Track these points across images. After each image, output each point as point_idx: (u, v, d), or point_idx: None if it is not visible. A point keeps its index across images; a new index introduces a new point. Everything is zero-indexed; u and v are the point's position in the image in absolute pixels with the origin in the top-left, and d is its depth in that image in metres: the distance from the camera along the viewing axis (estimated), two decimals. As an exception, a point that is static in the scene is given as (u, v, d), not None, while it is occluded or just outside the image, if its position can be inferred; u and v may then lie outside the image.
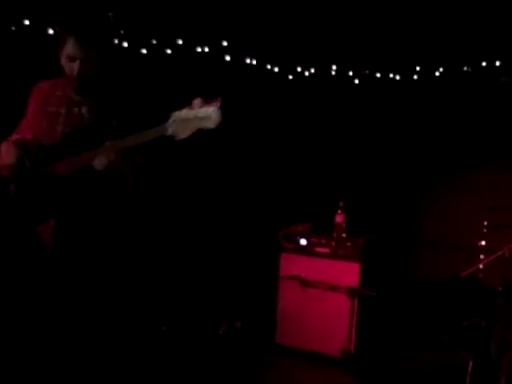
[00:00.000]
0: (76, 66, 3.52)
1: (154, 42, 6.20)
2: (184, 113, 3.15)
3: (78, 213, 3.57)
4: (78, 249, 3.57)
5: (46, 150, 3.57)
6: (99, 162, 3.37)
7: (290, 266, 6.11)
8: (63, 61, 3.55)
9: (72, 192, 3.53)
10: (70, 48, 3.49)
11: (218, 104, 3.10)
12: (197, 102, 3.15)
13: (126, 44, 6.01)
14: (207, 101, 3.14)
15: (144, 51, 6.16)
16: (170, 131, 3.19)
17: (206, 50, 6.46)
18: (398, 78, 7.42)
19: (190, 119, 3.12)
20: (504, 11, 6.19)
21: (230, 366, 5.67)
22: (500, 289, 4.84)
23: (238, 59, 6.73)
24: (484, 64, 7.10)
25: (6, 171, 3.56)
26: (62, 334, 3.57)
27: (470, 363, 4.70)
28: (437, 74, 7.31)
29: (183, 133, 3.15)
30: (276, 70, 7.15)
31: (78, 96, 3.66)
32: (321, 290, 5.93)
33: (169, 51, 6.29)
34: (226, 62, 6.61)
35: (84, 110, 3.64)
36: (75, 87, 3.63)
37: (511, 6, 6.10)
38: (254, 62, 6.86)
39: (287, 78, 7.32)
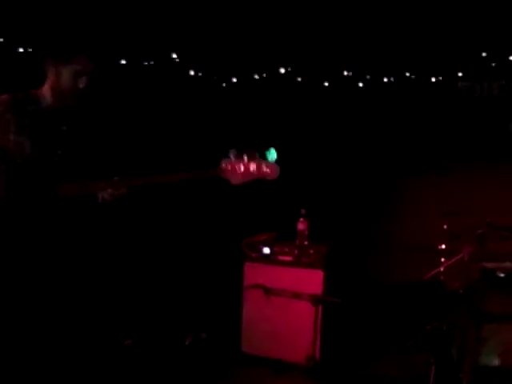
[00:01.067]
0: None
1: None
2: (240, 163, 3.33)
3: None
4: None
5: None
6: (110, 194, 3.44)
7: (254, 274, 6.11)
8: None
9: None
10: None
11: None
12: (248, 153, 3.28)
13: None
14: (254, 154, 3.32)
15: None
16: (222, 176, 3.36)
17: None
18: (360, 85, 7.50)
19: (248, 170, 3.32)
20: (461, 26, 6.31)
21: (196, 377, 5.66)
22: (460, 291, 4.90)
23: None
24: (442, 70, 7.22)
25: None
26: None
27: (433, 366, 4.75)
28: (387, 79, 7.39)
29: (239, 180, 3.36)
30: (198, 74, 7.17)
31: None
32: (285, 298, 5.93)
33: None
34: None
35: None
36: None
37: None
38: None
39: (222, 85, 7.35)
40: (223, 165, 3.33)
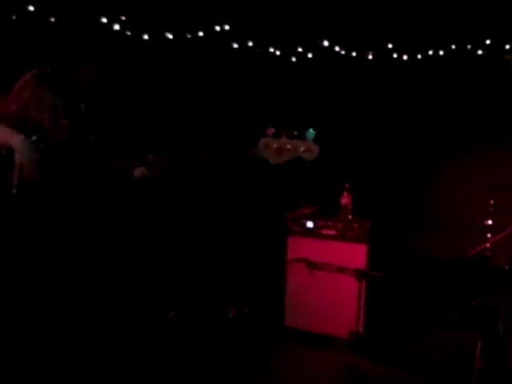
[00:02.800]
0: None
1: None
2: (278, 141, 3.33)
3: None
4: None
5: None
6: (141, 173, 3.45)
7: (297, 248, 6.12)
8: None
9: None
10: None
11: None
12: (286, 132, 3.32)
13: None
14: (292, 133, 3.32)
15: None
16: (260, 154, 3.36)
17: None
18: (404, 58, 7.40)
19: (285, 149, 3.32)
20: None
21: (240, 350, 5.70)
22: (507, 267, 4.84)
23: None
24: (488, 42, 7.08)
25: None
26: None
27: (479, 343, 4.71)
28: (441, 52, 7.29)
29: (277, 159, 3.35)
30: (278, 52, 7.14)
31: None
32: (328, 273, 5.94)
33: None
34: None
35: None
36: None
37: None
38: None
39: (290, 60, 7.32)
40: (261, 144, 3.32)
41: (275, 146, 3.31)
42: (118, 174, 3.46)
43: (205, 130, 6.16)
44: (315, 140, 3.32)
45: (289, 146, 3.30)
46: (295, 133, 3.32)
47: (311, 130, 3.33)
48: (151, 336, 5.68)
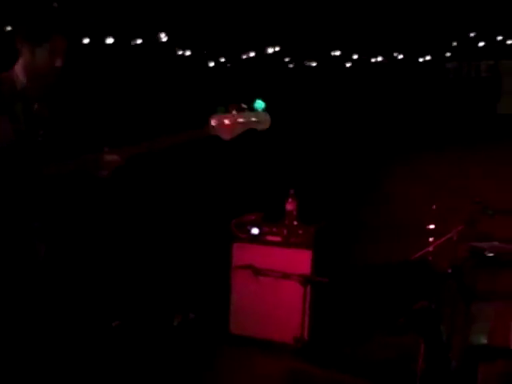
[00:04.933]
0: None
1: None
2: (228, 116, 3.32)
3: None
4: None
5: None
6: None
7: (243, 255, 6.11)
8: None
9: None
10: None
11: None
12: (234, 106, 3.32)
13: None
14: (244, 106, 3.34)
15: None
16: (213, 132, 3.35)
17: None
18: (348, 65, 7.47)
19: (236, 122, 3.31)
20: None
21: (185, 357, 5.66)
22: (449, 271, 4.91)
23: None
24: (428, 52, 7.21)
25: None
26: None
27: (422, 346, 4.76)
28: (375, 60, 7.38)
29: (230, 134, 3.35)
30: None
31: None
32: (273, 279, 5.93)
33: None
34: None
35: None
36: None
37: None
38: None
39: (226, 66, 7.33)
40: (212, 121, 3.30)
41: (227, 121, 3.29)
42: (74, 171, 3.43)
43: (156, 117, 6.11)
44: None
45: (240, 120, 3.30)
46: (244, 106, 3.31)
47: (259, 100, 3.33)
48: (94, 346, 5.61)
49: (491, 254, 4.96)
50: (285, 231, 5.99)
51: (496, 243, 5.11)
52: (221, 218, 6.29)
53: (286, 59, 7.41)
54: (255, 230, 6.09)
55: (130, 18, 6.08)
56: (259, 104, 3.31)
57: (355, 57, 7.37)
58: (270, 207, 6.29)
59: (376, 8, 6.53)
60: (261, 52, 7.20)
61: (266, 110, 3.35)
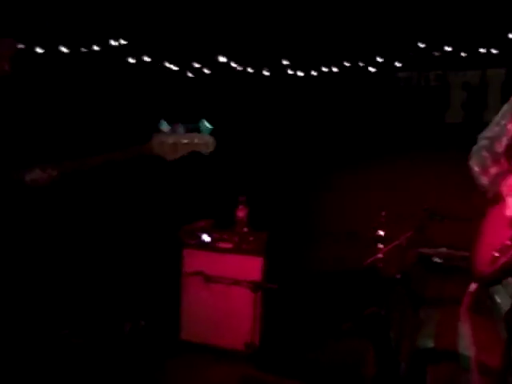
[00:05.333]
0: None
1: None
2: (173, 137, 3.27)
3: None
4: None
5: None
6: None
7: (193, 262, 6.11)
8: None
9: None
10: None
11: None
12: (179, 126, 3.29)
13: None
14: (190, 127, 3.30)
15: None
16: (155, 151, 3.28)
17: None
18: (300, 74, 7.51)
19: (180, 143, 3.27)
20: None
21: (136, 365, 5.62)
22: (398, 277, 4.97)
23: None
24: (380, 59, 7.28)
25: None
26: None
27: (372, 351, 4.81)
28: (334, 69, 7.45)
29: (173, 154, 3.30)
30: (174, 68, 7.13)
31: None
32: (224, 285, 5.95)
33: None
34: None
35: None
36: None
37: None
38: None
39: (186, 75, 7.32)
40: (154, 140, 3.26)
41: (170, 141, 3.25)
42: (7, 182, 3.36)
43: (98, 133, 6.06)
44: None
45: (184, 141, 3.26)
46: (190, 126, 3.28)
47: (205, 122, 3.30)
48: (42, 355, 5.53)
49: (439, 260, 5.04)
50: (236, 238, 6.01)
51: (444, 249, 5.19)
52: (171, 225, 6.27)
53: (237, 68, 7.43)
54: (206, 237, 6.09)
55: (82, 26, 6.04)
56: (205, 126, 3.27)
57: (306, 66, 7.42)
58: (220, 214, 6.29)
59: (327, 16, 6.59)
60: (210, 61, 7.22)
61: (211, 132, 3.33)
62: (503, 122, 3.07)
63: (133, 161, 3.35)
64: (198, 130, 3.30)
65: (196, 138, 3.28)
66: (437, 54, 7.01)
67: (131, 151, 3.33)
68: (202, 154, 3.31)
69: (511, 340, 2.47)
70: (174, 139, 3.26)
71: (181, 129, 3.27)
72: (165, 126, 3.27)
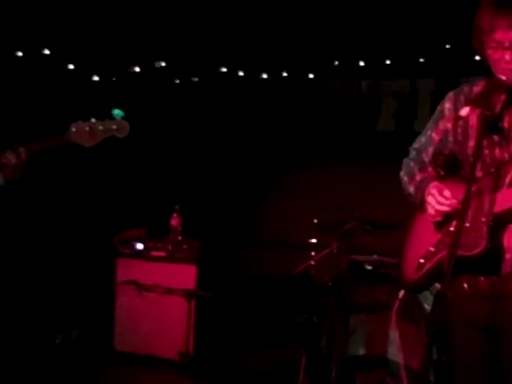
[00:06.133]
0: None
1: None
2: (88, 124, 3.38)
3: None
4: None
5: None
6: None
7: (127, 270, 6.06)
8: None
9: None
10: None
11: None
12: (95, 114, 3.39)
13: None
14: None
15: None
16: (73, 139, 3.38)
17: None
18: (239, 80, 7.54)
19: (97, 129, 3.38)
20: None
21: (66, 376, 5.55)
22: (329, 284, 5.02)
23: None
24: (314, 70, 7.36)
25: None
26: None
27: (303, 358, 4.85)
28: (264, 76, 7.50)
29: (91, 141, 3.40)
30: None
31: None
32: (158, 294, 5.92)
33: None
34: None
35: None
36: None
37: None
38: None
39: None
40: (72, 128, 3.35)
41: (87, 128, 3.33)
42: None
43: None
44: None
45: (101, 127, 3.36)
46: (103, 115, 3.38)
47: (117, 109, 3.41)
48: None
49: (370, 267, 5.11)
50: (169, 246, 6.00)
51: (375, 256, 5.26)
52: (104, 234, 6.22)
53: (171, 75, 7.41)
54: (139, 246, 6.06)
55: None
56: (118, 112, 3.38)
57: (241, 73, 7.45)
58: (154, 222, 6.27)
59: (263, 26, 6.63)
60: (149, 66, 7.19)
61: (124, 117, 3.43)
62: (429, 133, 3.14)
63: (54, 151, 3.42)
64: (111, 117, 3.41)
65: (112, 124, 3.39)
66: (368, 63, 7.10)
67: (50, 141, 3.39)
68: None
69: (431, 342, 2.52)
70: (91, 125, 3.35)
71: (95, 116, 3.38)
72: (81, 116, 3.39)
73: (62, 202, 6.46)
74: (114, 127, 3.38)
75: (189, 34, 6.73)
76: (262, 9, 6.42)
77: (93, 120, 3.37)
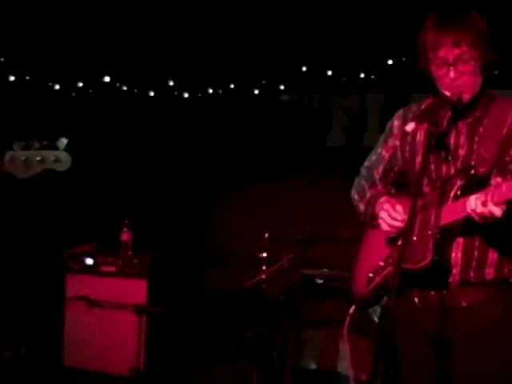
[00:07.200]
0: None
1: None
2: (25, 153, 3.12)
3: None
4: None
5: None
6: None
7: (77, 286, 6.00)
8: None
9: None
10: None
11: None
12: (35, 142, 3.12)
13: None
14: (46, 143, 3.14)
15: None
16: (6, 169, 3.14)
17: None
18: (186, 95, 7.53)
19: (34, 161, 3.12)
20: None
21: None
22: (281, 298, 5.04)
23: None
24: (264, 82, 7.39)
25: None
26: None
27: (255, 372, 4.85)
28: (220, 91, 7.51)
29: (25, 172, 3.14)
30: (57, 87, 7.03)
31: None
32: (108, 310, 5.87)
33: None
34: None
35: None
36: None
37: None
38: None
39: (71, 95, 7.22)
40: (7, 157, 3.11)
41: (23, 158, 3.14)
42: None
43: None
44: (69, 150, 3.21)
45: (38, 158, 3.14)
46: (45, 143, 3.19)
47: (63, 139, 3.21)
48: None
49: (320, 281, 5.14)
50: (120, 261, 5.95)
51: (325, 270, 5.30)
52: (54, 249, 6.14)
53: (122, 88, 7.38)
54: (89, 261, 6.00)
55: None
56: (62, 144, 3.20)
57: (188, 91, 7.47)
58: (104, 237, 6.22)
59: (212, 39, 6.65)
60: (93, 81, 7.15)
61: (67, 149, 3.24)
62: (379, 150, 3.17)
63: None
64: (54, 147, 3.17)
65: (51, 156, 3.15)
66: (319, 77, 7.16)
67: None
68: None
69: (378, 354, 2.54)
70: (27, 155, 3.14)
71: (36, 145, 3.18)
72: (19, 143, 3.17)
73: (11, 216, 6.36)
74: (54, 159, 3.15)
75: (136, 48, 6.73)
76: (210, 25, 6.45)
77: (35, 147, 3.18)
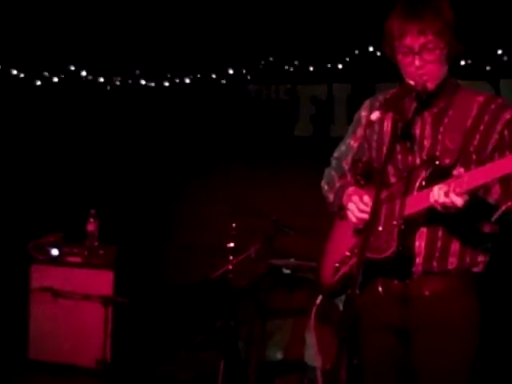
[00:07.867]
0: None
1: None
2: None
3: None
4: None
5: None
6: None
7: (42, 277, 5.94)
8: None
9: None
10: None
11: None
12: None
13: None
14: None
15: None
16: None
17: None
18: (151, 84, 7.50)
19: None
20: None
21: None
22: (247, 288, 5.03)
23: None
24: (231, 72, 7.38)
25: None
26: None
27: (221, 363, 4.85)
28: (187, 80, 7.48)
29: None
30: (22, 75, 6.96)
31: None
32: (74, 301, 5.83)
33: None
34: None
35: None
36: None
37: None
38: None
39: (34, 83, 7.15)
40: None
41: None
42: None
43: None
44: None
45: None
46: None
47: None
48: None
49: (288, 271, 5.13)
50: (85, 252, 5.91)
51: (292, 260, 5.30)
52: (18, 239, 6.09)
53: (87, 77, 7.33)
54: (55, 251, 5.95)
55: None
56: None
57: (155, 80, 7.44)
58: (70, 227, 6.16)
59: (180, 28, 6.63)
60: (59, 69, 7.10)
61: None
62: (348, 141, 3.18)
63: None
64: None
65: None
66: (286, 67, 7.16)
67: None
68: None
69: (342, 343, 2.55)
70: None
71: None
72: None
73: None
74: None
75: (102, 37, 6.69)
76: (178, 15, 6.42)
77: None
